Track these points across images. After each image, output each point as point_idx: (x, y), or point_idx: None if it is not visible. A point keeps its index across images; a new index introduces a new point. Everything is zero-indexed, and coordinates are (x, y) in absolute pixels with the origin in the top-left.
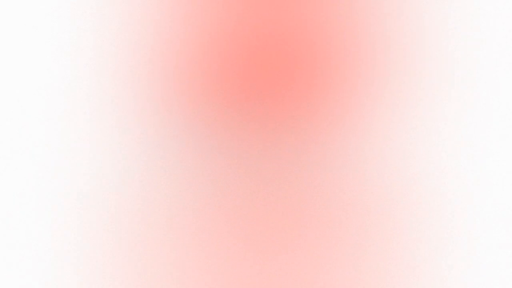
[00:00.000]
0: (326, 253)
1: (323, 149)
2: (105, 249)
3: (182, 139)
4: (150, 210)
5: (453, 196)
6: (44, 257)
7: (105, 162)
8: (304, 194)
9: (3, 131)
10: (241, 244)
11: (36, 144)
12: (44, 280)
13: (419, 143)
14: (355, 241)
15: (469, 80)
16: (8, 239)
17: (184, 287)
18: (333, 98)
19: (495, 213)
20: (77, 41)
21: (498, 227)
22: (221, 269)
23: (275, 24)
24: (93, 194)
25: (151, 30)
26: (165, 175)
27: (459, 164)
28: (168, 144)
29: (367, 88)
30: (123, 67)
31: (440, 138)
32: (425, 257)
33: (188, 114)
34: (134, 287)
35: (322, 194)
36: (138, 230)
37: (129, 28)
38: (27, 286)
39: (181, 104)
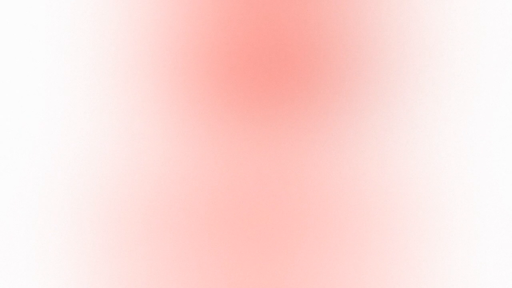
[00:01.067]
0: (326, 254)
1: (323, 149)
2: (106, 249)
3: (182, 138)
4: (150, 210)
5: (453, 196)
6: (43, 257)
7: (105, 161)
8: (303, 194)
9: (4, 131)
10: (241, 244)
11: (36, 143)
12: (43, 280)
13: (419, 143)
14: (353, 241)
15: (469, 81)
16: (7, 239)
17: (183, 285)
18: (333, 98)
19: (495, 213)
20: (78, 39)
21: (498, 227)
22: (220, 269)
23: (276, 23)
24: (92, 193)
25: (150, 28)
26: (165, 174)
27: (459, 164)
28: (167, 144)
29: (367, 88)
30: (123, 67)
31: (439, 138)
32: (425, 257)
33: (187, 113)
34: (135, 286)
35: (322, 194)
36: (138, 230)
37: (129, 27)
38: (27, 286)
39: (180, 104)
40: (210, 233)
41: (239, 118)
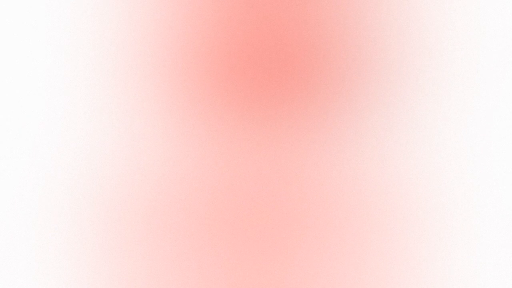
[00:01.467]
0: (326, 254)
1: (323, 149)
2: (106, 249)
3: (182, 138)
4: (150, 210)
5: (453, 196)
6: (43, 257)
7: (105, 161)
8: (303, 194)
9: (4, 131)
10: (241, 244)
11: (36, 143)
12: (43, 280)
13: (419, 143)
14: (353, 241)
15: (469, 81)
16: (8, 239)
17: (183, 285)
18: (333, 98)
19: (495, 213)
20: (78, 39)
21: (498, 227)
22: (220, 269)
23: (276, 23)
24: (92, 193)
25: (150, 28)
26: (165, 174)
27: (459, 164)
28: (167, 144)
29: (367, 88)
30: (123, 67)
31: (439, 138)
32: (425, 257)
33: (187, 113)
34: (135, 286)
35: (322, 194)
36: (138, 230)
37: (129, 27)
38: (27, 286)
39: (180, 104)
40: (210, 233)
41: (239, 118)
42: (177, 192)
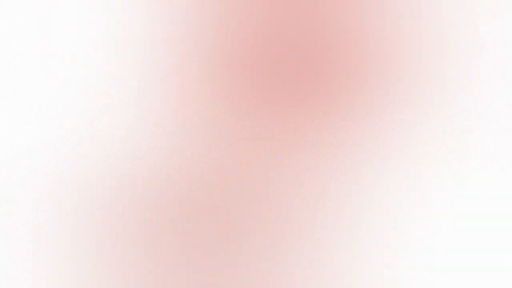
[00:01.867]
0: (325, 253)
1: (323, 147)
2: (106, 248)
3: (182, 138)
4: (150, 210)
5: (452, 197)
6: (43, 257)
7: (105, 161)
8: (303, 192)
9: (5, 131)
10: (241, 244)
11: (36, 143)
12: (43, 280)
13: (418, 141)
14: (352, 240)
15: (468, 79)
16: (8, 239)
17: (182, 285)
18: (334, 97)
19: (494, 212)
20: (79, 39)
21: (498, 227)
22: (221, 268)
23: (277, 24)
24: (93, 193)
25: (151, 28)
26: (165, 174)
27: (459, 165)
28: (167, 143)
29: (367, 86)
30: (123, 67)
31: (439, 138)
32: (424, 257)
33: (188, 113)
34: (135, 286)
35: (322, 193)
36: (138, 230)
37: (130, 27)
38: (27, 286)
39: (181, 104)
40: (210, 233)
41: (239, 118)
42: (177, 192)
